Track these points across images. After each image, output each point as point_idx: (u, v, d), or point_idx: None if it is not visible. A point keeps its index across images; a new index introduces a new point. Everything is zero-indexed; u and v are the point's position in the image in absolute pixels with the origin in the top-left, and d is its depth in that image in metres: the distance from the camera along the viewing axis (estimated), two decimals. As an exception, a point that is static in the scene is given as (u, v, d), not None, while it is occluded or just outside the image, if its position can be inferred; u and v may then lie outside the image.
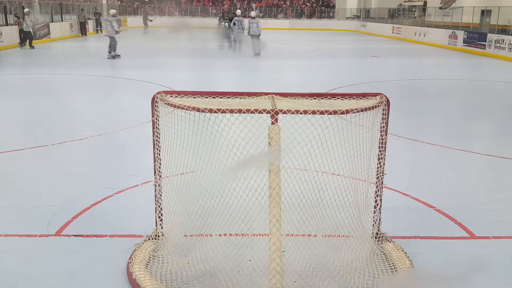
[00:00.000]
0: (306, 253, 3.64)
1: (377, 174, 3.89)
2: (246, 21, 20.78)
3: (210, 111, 3.37)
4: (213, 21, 30.03)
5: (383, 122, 3.75)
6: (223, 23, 22.91)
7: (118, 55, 17.87)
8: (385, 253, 3.82)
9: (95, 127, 7.93)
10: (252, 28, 19.57)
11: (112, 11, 18.39)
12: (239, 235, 3.75)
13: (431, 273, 3.70)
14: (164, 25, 30.89)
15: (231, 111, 3.32)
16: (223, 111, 3.34)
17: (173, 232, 3.97)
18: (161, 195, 3.94)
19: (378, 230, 4.01)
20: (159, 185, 3.92)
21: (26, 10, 21.79)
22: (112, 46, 17.73)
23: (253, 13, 21.25)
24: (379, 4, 43.03)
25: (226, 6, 44.57)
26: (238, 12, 21.62)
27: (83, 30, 29.72)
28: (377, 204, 3.91)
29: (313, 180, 3.67)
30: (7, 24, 21.96)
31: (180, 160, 3.77)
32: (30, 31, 21.17)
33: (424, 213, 4.77)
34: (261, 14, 42.30)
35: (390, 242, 3.96)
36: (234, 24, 20.73)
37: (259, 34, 19.69)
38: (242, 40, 21.22)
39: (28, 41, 21.17)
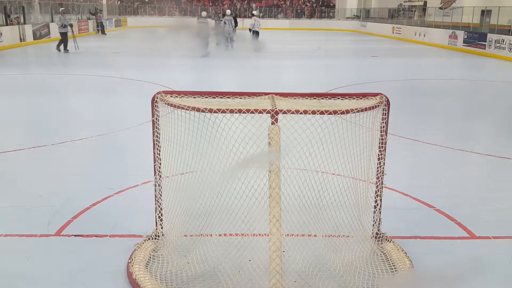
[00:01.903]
0: (306, 253, 3.64)
1: (377, 174, 3.89)
2: (252, 20, 22.01)
3: (210, 111, 3.36)
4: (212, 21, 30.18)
5: (383, 122, 3.75)
6: (217, 22, 23.26)
7: (208, 53, 18.51)
8: (385, 253, 3.82)
9: (95, 127, 7.92)
10: (257, 25, 21.21)
11: (204, 13, 19.46)
12: (239, 235, 3.75)
13: (431, 273, 3.70)
14: (164, 25, 30.91)
15: (231, 111, 3.32)
16: (223, 111, 3.34)
17: (173, 232, 3.97)
18: (161, 195, 3.94)
19: (378, 230, 4.00)
20: (159, 185, 3.92)
21: (61, 9, 21.60)
22: (204, 44, 18.51)
23: (255, 12, 22.14)
24: (379, 4, 43.05)
25: (226, 6, 44.60)
26: (228, 11, 22.53)
27: (101, 29, 31.62)
28: (377, 204, 3.91)
29: (313, 180, 3.67)
30: (7, 24, 21.97)
31: (180, 160, 3.77)
32: (66, 32, 19.20)
33: (424, 213, 4.76)
34: (261, 14, 42.53)
35: (390, 242, 3.96)
36: (225, 23, 21.17)
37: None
38: (233, 38, 22.03)
39: (62, 43, 19.27)
